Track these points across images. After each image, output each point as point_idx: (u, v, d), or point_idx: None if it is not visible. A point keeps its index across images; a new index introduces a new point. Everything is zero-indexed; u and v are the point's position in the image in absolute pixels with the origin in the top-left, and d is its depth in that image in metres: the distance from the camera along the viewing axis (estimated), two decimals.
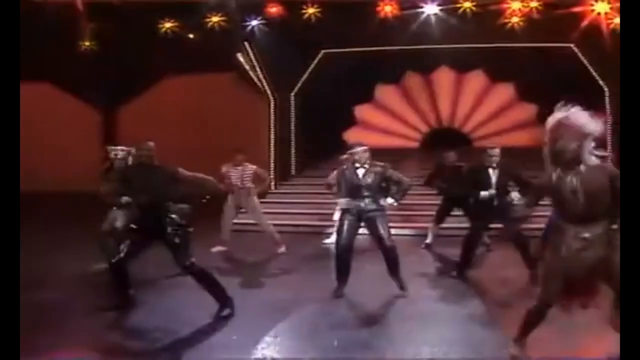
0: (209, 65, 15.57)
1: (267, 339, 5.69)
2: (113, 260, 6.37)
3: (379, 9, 13.28)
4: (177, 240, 6.21)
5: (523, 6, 12.88)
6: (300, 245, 10.73)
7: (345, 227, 7.16)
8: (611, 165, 4.61)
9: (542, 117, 16.71)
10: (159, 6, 13.27)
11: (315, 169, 16.18)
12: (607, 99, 15.05)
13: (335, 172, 8.04)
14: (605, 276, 4.46)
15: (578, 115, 4.42)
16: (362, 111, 19.08)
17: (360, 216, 7.16)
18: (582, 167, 4.40)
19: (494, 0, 12.86)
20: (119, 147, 8.25)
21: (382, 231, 7.13)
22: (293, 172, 16.72)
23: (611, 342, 4.70)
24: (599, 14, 12.54)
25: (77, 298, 7.12)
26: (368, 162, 7.24)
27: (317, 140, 16.16)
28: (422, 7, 13.37)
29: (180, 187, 6.58)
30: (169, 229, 6.19)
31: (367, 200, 7.13)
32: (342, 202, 7.32)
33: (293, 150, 16.62)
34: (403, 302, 6.99)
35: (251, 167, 10.30)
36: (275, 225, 10.60)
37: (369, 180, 7.16)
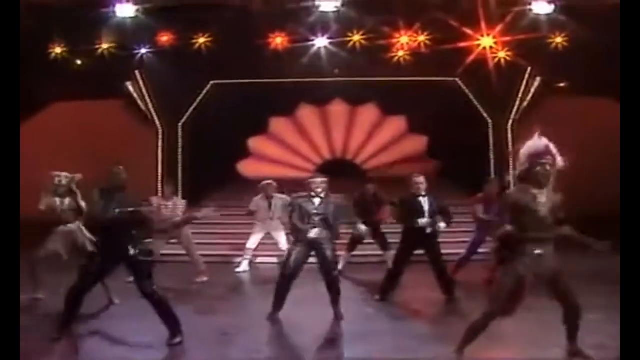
0: (99, 92, 15.06)
1: None
2: (73, 288, 6.19)
3: (269, 41, 13.24)
4: (142, 266, 6.20)
5: (411, 40, 13.20)
6: (211, 274, 10.51)
7: (294, 255, 7.31)
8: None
9: (431, 149, 17.28)
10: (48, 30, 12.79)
11: (209, 199, 15.86)
12: (490, 130, 15.67)
13: (255, 199, 9.52)
14: (556, 292, 5.04)
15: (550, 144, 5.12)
16: (256, 142, 19.00)
17: (312, 245, 7.30)
18: (548, 189, 5.03)
19: (383, 34, 13.10)
20: (63, 174, 8.15)
21: (329, 262, 7.32)
22: None
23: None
24: (484, 48, 13.05)
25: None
26: (324, 193, 7.42)
27: (209, 171, 15.83)
28: (312, 40, 13.41)
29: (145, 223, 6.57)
30: (136, 255, 6.16)
31: (317, 230, 7.26)
32: (297, 227, 7.43)
33: (180, 181, 16.03)
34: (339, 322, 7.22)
35: (182, 201, 10.44)
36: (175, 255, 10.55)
37: (323, 210, 7.32)
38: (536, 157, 5.05)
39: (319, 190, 7.40)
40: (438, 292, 8.31)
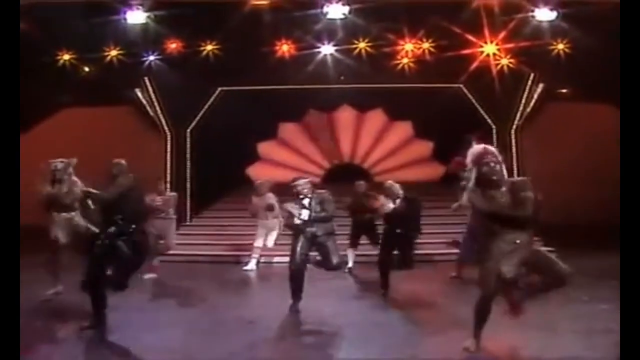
0: (107, 98, 15.27)
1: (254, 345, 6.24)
2: (88, 281, 6.40)
3: (276, 48, 13.44)
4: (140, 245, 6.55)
5: (415, 47, 13.38)
6: (221, 273, 10.98)
7: (298, 249, 7.77)
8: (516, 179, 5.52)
9: (437, 153, 17.33)
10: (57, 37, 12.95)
11: (219, 202, 16.28)
12: (494, 136, 15.82)
13: (253, 199, 10.33)
14: (534, 267, 5.28)
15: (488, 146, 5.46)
16: (266, 147, 19.21)
17: (312, 240, 7.77)
18: (503, 188, 5.26)
19: (388, 41, 13.27)
20: (58, 160, 8.37)
21: (331, 254, 7.81)
22: (189, 206, 16.31)
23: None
24: (487, 55, 13.21)
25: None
26: (311, 192, 7.91)
27: (218, 175, 16.05)
28: (318, 47, 13.60)
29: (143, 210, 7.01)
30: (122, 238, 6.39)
31: (315, 225, 7.73)
32: (294, 227, 7.87)
33: (189, 185, 16.33)
34: (354, 313, 7.76)
35: (173, 194, 10.91)
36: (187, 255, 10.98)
37: (314, 207, 7.79)
38: (479, 158, 5.32)
39: (306, 190, 7.86)
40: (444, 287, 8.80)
